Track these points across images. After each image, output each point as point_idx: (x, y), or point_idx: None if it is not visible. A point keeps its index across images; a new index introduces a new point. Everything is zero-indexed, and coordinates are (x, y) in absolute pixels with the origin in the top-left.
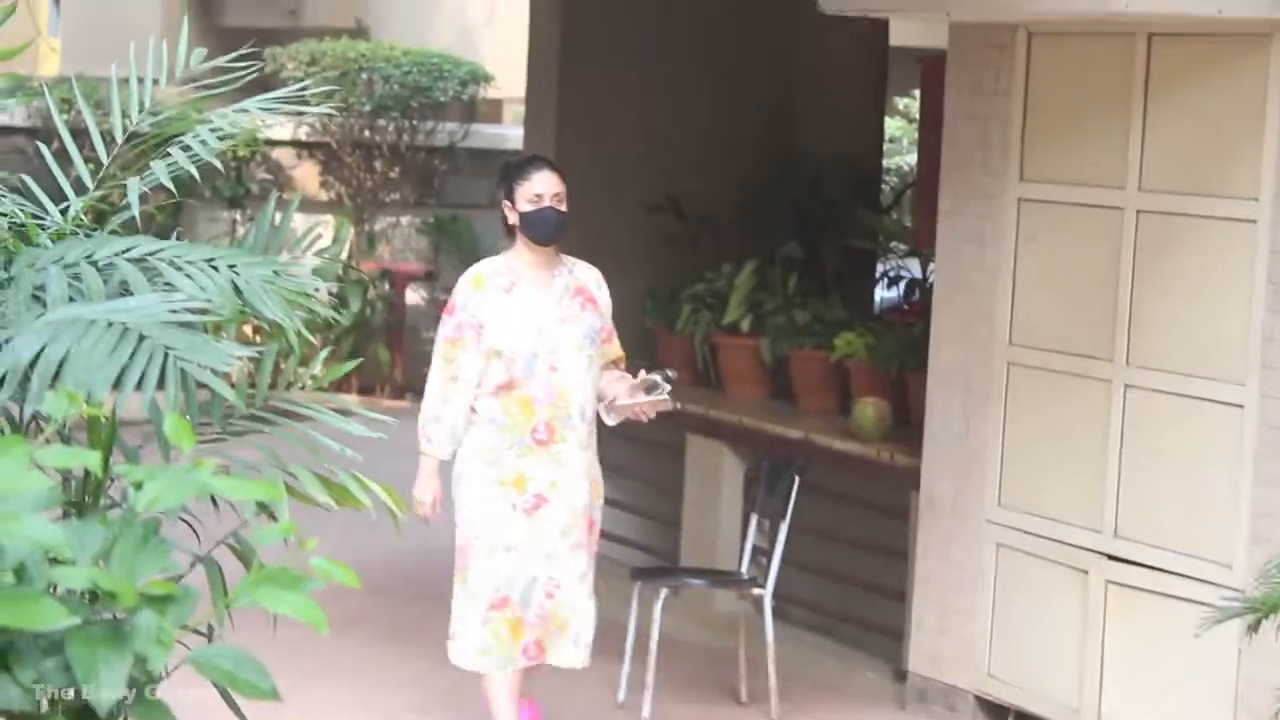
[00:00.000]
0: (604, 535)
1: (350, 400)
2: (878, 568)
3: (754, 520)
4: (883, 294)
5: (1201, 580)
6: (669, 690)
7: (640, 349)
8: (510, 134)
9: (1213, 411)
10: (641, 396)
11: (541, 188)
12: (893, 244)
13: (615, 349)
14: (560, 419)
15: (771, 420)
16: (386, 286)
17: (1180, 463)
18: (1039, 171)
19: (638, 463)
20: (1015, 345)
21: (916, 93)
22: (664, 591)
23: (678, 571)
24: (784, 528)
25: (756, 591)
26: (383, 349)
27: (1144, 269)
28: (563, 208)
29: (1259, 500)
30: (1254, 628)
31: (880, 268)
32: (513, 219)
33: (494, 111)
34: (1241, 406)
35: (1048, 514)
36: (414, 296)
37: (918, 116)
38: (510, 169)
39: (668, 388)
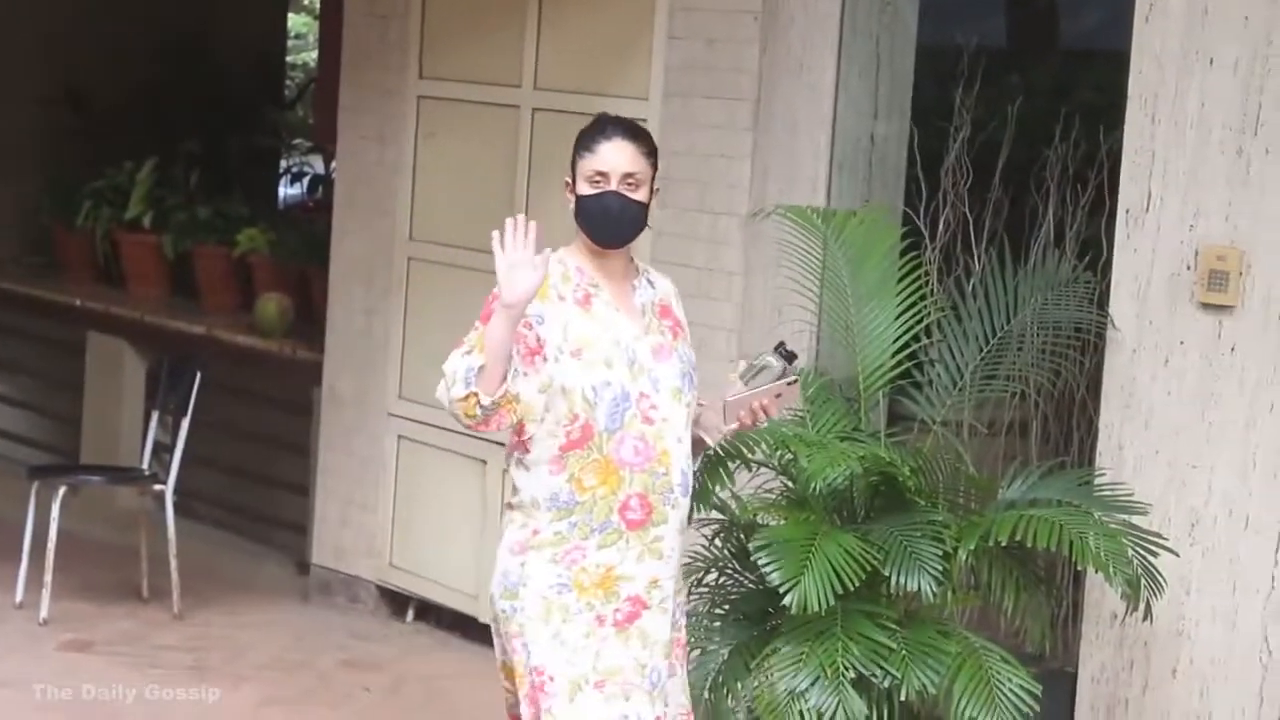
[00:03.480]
0: (0, 434)
1: None
2: (282, 462)
3: (155, 417)
4: (287, 190)
5: None
6: (68, 589)
7: (39, 247)
8: None
9: None
10: (761, 387)
11: (607, 163)
12: (296, 140)
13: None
14: (659, 491)
15: (173, 316)
16: None
17: None
18: (438, 69)
19: (34, 359)
20: (416, 240)
21: None
22: (62, 489)
23: (76, 469)
24: (185, 424)
25: (157, 488)
26: None
27: (540, 166)
28: (638, 196)
29: None
30: None
31: (284, 164)
32: (570, 203)
33: None
34: None
35: None
36: None
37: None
38: (579, 134)
39: (790, 368)
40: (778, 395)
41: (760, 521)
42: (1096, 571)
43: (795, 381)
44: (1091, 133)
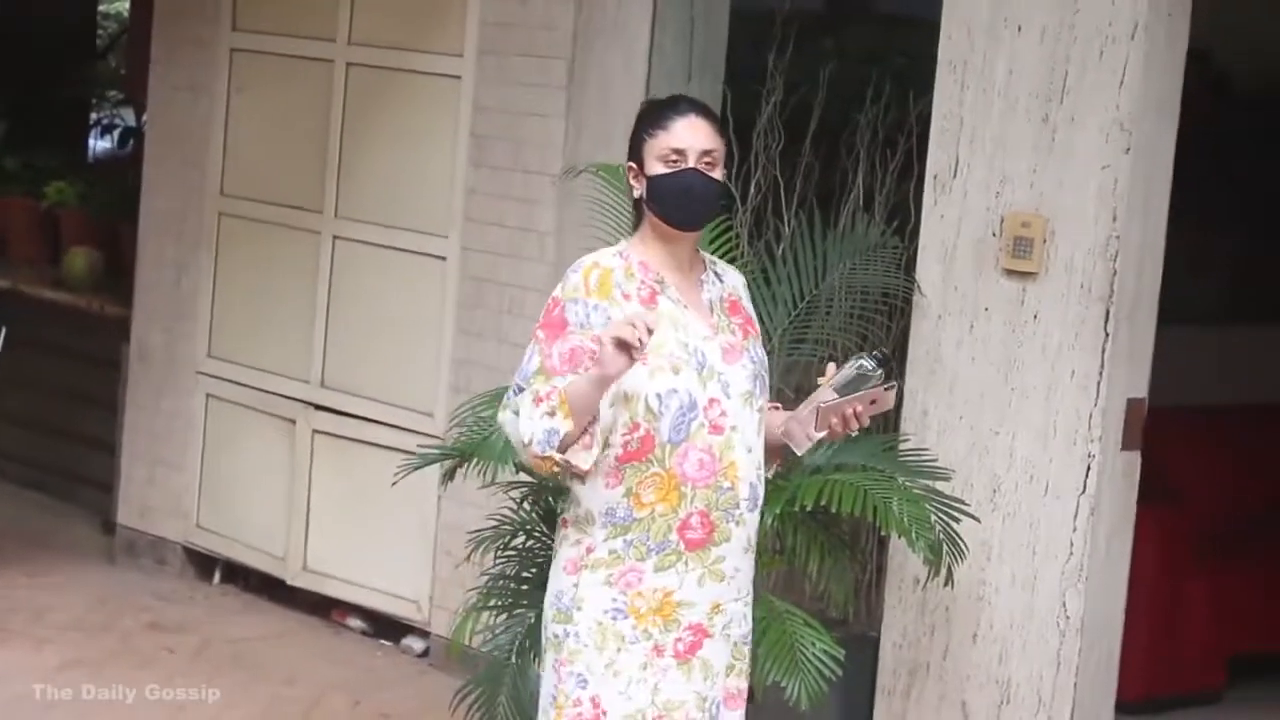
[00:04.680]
0: None
1: None
2: (89, 419)
3: None
4: (98, 142)
5: (406, 429)
6: None
7: None
8: None
9: (417, 263)
10: (858, 393)
11: (684, 140)
12: (108, 92)
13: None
14: (723, 507)
15: None
16: None
17: (386, 314)
18: (252, 22)
19: None
20: (227, 195)
21: None
22: None
23: None
24: None
25: None
26: None
27: (353, 122)
28: (718, 174)
29: (459, 349)
30: (449, 474)
31: (95, 116)
32: (638, 189)
33: None
34: (444, 258)
35: (257, 364)
36: None
37: None
38: (641, 114)
39: (880, 374)
40: (872, 401)
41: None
42: (899, 537)
43: (892, 387)
44: (902, 99)
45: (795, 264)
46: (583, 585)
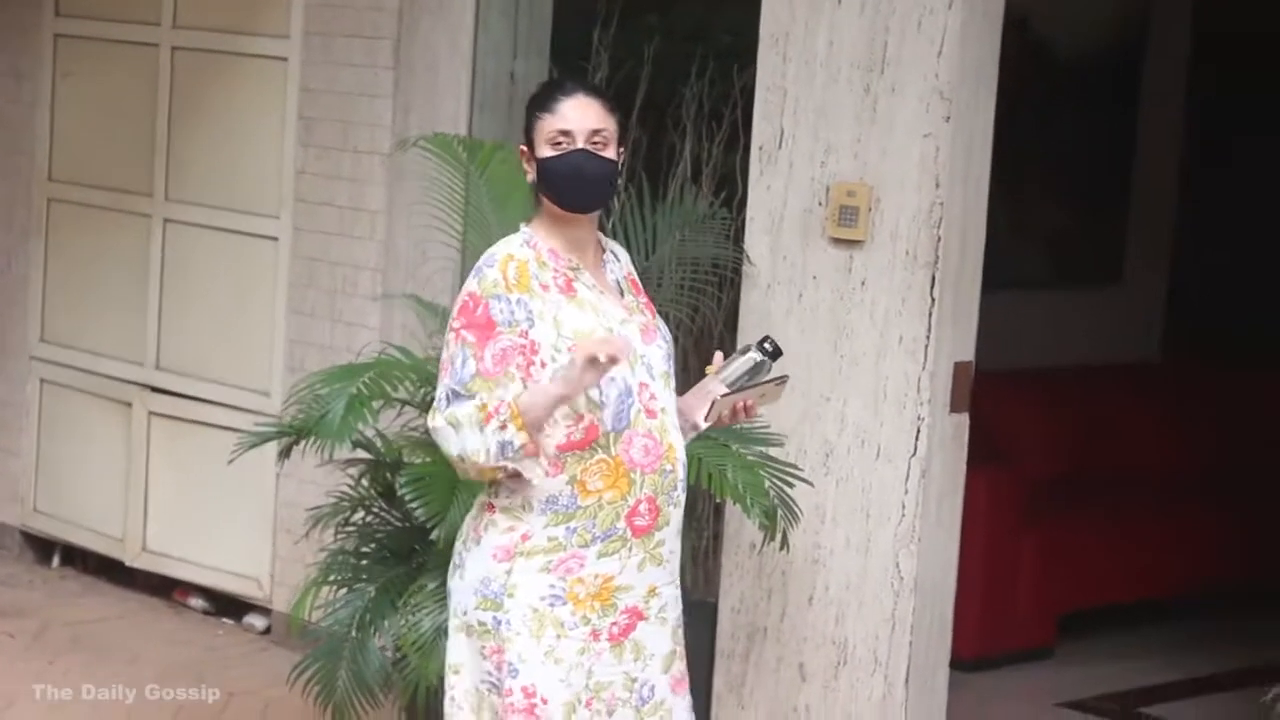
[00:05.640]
0: None
1: None
2: None
3: None
4: None
5: (242, 409)
6: None
7: None
8: None
9: (249, 244)
10: (752, 385)
11: (572, 122)
12: None
13: None
14: (665, 491)
15: None
16: None
17: (219, 295)
18: (75, 6)
19: None
20: (55, 181)
21: None
22: None
23: None
24: None
25: None
26: None
27: (181, 106)
28: (609, 154)
29: (293, 329)
30: (285, 452)
31: None
32: (530, 173)
33: None
34: (276, 239)
35: (91, 348)
36: None
37: None
38: (531, 97)
39: (771, 367)
40: (762, 395)
41: (406, 460)
42: (735, 504)
43: (784, 380)
44: (726, 72)
45: (626, 237)
46: (515, 572)
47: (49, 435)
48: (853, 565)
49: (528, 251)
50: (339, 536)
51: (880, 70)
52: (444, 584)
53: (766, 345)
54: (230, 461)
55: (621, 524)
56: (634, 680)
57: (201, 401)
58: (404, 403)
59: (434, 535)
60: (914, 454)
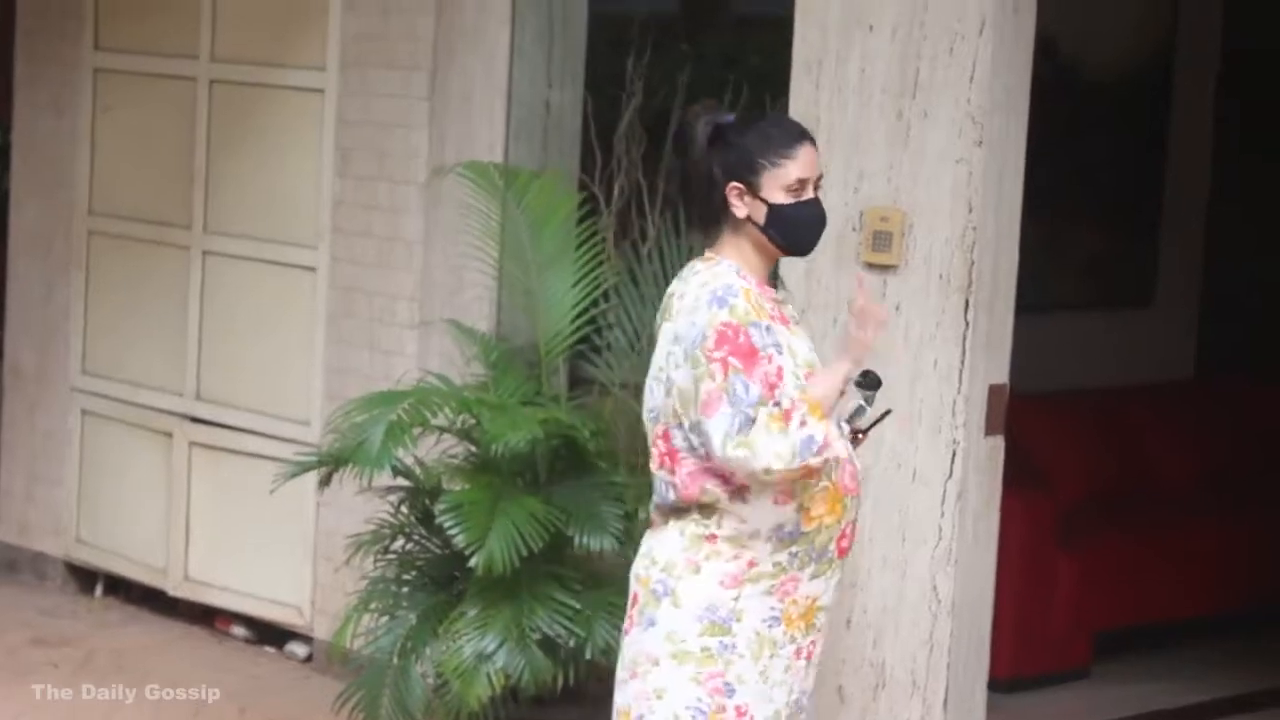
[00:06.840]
0: None
1: None
2: None
3: None
4: None
5: (282, 439)
6: None
7: None
8: None
9: (287, 275)
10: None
11: (807, 170)
12: None
13: None
14: (858, 514)
15: None
16: None
17: (258, 325)
18: (114, 40)
19: None
20: (96, 214)
21: None
22: None
23: None
24: None
25: None
26: None
27: (219, 138)
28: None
29: (331, 358)
30: (325, 480)
31: None
32: (742, 211)
33: None
34: (314, 269)
35: (131, 379)
36: None
37: None
38: (748, 132)
39: (875, 395)
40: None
41: (445, 486)
42: None
43: (888, 413)
44: (759, 99)
45: (661, 263)
46: (743, 597)
47: (91, 466)
48: (890, 588)
49: (747, 284)
50: (379, 564)
51: (912, 96)
52: (485, 610)
53: (865, 379)
54: (272, 491)
55: (832, 547)
56: (806, 694)
57: (241, 431)
58: (442, 429)
59: (473, 562)
60: (950, 477)
